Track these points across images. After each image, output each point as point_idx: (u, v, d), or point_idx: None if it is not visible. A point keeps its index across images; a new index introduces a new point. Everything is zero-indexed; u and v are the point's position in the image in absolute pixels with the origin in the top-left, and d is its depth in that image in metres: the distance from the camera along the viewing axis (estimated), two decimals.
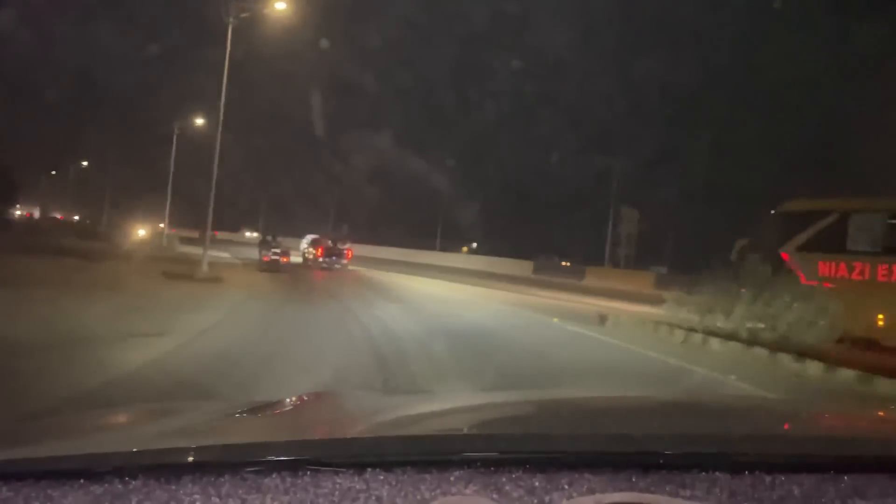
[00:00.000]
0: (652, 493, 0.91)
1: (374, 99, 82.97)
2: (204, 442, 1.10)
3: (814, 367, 7.63)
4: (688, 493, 0.94)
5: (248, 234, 34.00)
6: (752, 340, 8.80)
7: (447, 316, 11.78)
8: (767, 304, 9.10)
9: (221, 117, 17.80)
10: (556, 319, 11.84)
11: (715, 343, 9.14)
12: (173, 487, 0.88)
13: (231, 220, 64.66)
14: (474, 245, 53.22)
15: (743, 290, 9.78)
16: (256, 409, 1.49)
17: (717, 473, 0.98)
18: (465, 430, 1.28)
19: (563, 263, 35.56)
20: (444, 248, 46.83)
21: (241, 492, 0.88)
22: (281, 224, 49.35)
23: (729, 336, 9.18)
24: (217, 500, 0.87)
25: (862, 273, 9.52)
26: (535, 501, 0.90)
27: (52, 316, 7.73)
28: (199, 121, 31.63)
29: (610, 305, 15.52)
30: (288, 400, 1.67)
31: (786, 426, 1.52)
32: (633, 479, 0.96)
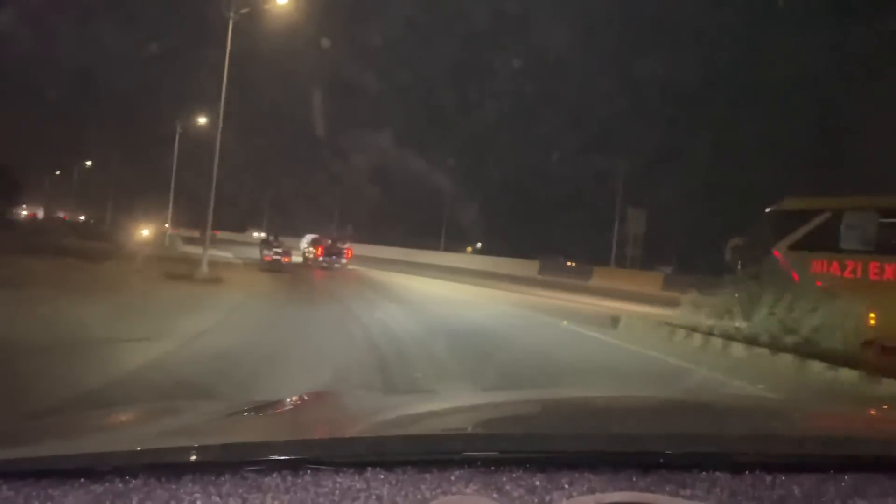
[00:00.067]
0: (652, 492, 0.90)
1: (375, 98, 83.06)
2: (204, 441, 1.09)
3: (849, 376, 7.10)
4: (688, 492, 0.93)
5: (255, 234, 34.12)
6: (774, 345, 8.34)
7: (451, 317, 11.40)
8: (790, 308, 8.65)
9: (221, 115, 17.67)
10: (565, 322, 11.43)
11: (738, 349, 8.62)
12: (174, 486, 0.87)
13: (233, 219, 64.69)
14: (478, 245, 53.00)
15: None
16: (257, 409, 1.49)
17: (717, 473, 0.97)
18: (466, 430, 1.28)
19: (568, 263, 35.24)
20: (446, 249, 46.45)
21: (241, 491, 0.87)
22: (284, 224, 49.12)
23: (748, 340, 8.74)
24: (218, 499, 0.86)
25: (854, 272, 9.46)
26: (536, 501, 0.89)
27: (38, 318, 7.44)
28: (202, 120, 31.43)
29: (619, 307, 15.12)
30: (288, 399, 1.68)
31: (786, 426, 1.51)
32: (634, 479, 0.95)
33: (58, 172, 64.02)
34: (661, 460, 0.99)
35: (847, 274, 9.49)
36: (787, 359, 7.92)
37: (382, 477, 0.91)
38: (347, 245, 27.97)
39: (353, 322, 9.68)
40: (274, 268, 23.38)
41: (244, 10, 16.75)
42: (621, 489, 0.91)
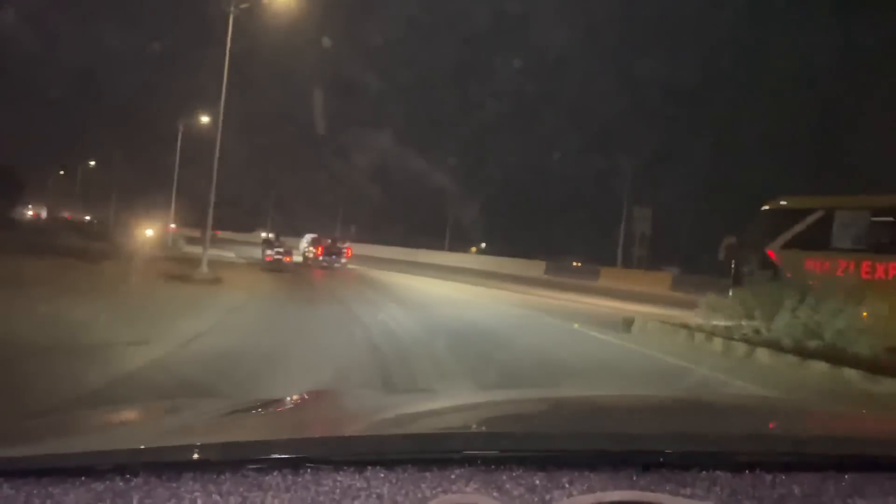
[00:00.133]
0: (652, 491, 0.89)
1: (377, 98, 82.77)
2: (205, 440, 1.10)
3: (892, 387, 6.54)
4: (688, 491, 0.92)
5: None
6: (798, 350, 7.87)
7: (456, 320, 10.92)
8: (814, 310, 8.18)
9: (221, 112, 17.45)
10: (576, 325, 10.95)
11: (763, 355, 8.06)
12: (174, 485, 0.87)
13: (237, 220, 64.58)
14: (483, 245, 52.63)
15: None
16: (257, 408, 1.49)
17: (717, 472, 0.96)
18: (466, 429, 1.28)
19: (575, 264, 34.90)
20: (450, 249, 46.03)
21: (242, 489, 0.87)
22: (287, 224, 48.78)
23: (769, 344, 8.27)
24: (218, 497, 0.85)
25: (846, 270, 9.52)
26: (536, 499, 0.89)
27: (22, 320, 7.09)
28: (205, 119, 31.14)
29: (629, 308, 14.66)
30: (289, 398, 1.69)
31: (786, 425, 1.51)
32: (634, 478, 0.94)
33: (62, 172, 64.06)
34: (662, 459, 0.98)
35: (839, 273, 9.55)
36: (819, 367, 7.32)
37: (383, 476, 0.91)
38: (347, 245, 28.08)
39: (355, 324, 9.27)
40: (275, 267, 23.18)
41: (244, 5, 16.55)
42: (621, 488, 0.90)
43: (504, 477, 0.92)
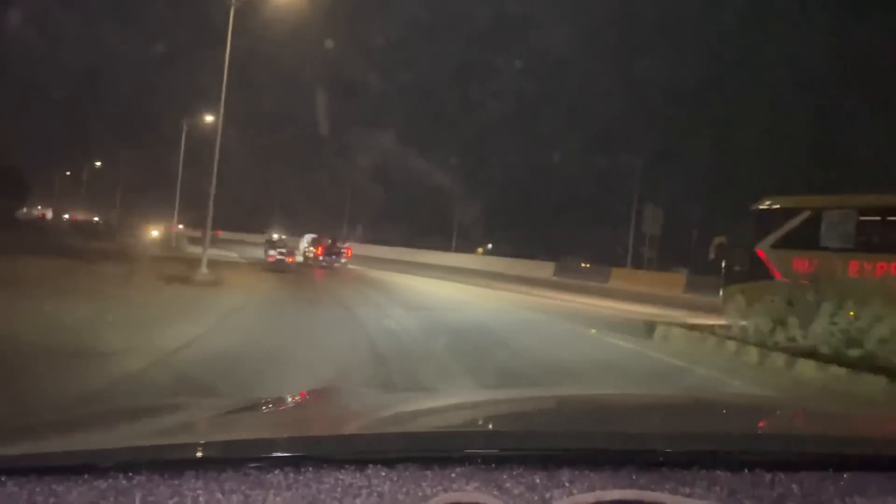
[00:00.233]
0: (652, 490, 0.88)
1: (380, 98, 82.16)
2: (207, 438, 1.12)
3: None
4: (688, 490, 0.92)
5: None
6: (841, 360, 7.18)
7: (467, 325, 10.31)
8: (854, 316, 7.53)
9: (222, 109, 17.10)
10: (593, 331, 10.31)
11: (807, 368, 7.29)
12: (177, 483, 0.87)
13: (240, 219, 64.31)
14: (489, 246, 52.09)
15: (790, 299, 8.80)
16: (259, 406, 1.48)
17: (717, 471, 0.96)
18: (467, 428, 1.28)
19: (583, 265, 34.40)
20: (455, 249, 45.44)
21: (243, 487, 0.87)
22: (294, 224, 48.34)
23: (807, 354, 7.59)
24: (220, 495, 0.85)
25: (834, 269, 9.53)
26: (537, 498, 0.88)
27: (4, 322, 6.66)
28: (209, 118, 30.79)
29: (645, 311, 14.02)
30: (290, 397, 1.78)
31: (786, 424, 1.51)
32: (634, 477, 0.94)
33: (68, 173, 64.07)
34: (662, 458, 0.98)
35: (828, 271, 9.58)
36: (873, 381, 6.50)
37: (384, 474, 0.90)
38: (347, 245, 28.15)
39: (358, 331, 8.70)
40: (278, 268, 22.84)
41: None
42: (622, 487, 0.88)
43: (504, 476, 0.92)
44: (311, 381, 5.30)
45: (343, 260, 26.70)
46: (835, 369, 6.99)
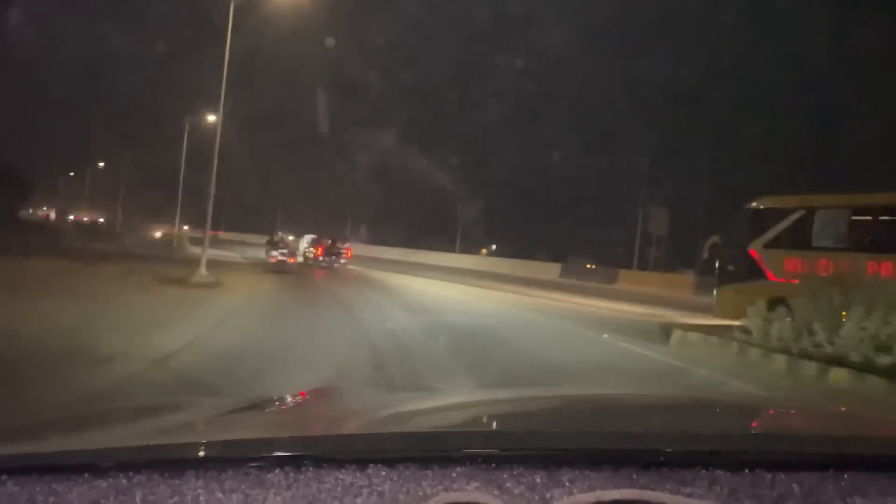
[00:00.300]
0: (653, 490, 0.87)
1: (383, 98, 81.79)
2: (207, 437, 1.12)
3: None
4: (688, 490, 0.92)
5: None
6: (873, 369, 6.70)
7: (473, 330, 9.85)
8: (884, 321, 7.06)
9: (222, 106, 16.74)
10: (606, 335, 9.84)
11: (840, 378, 6.78)
12: (177, 482, 0.86)
13: (243, 220, 64.08)
14: (493, 247, 51.68)
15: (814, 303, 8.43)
16: (259, 405, 1.47)
17: (717, 471, 0.96)
18: (468, 427, 1.27)
19: (589, 266, 34.01)
20: (459, 250, 45.01)
21: (244, 487, 0.86)
22: (299, 225, 48.02)
23: (833, 361, 7.13)
24: (220, 494, 0.85)
25: (826, 269, 9.57)
26: (537, 498, 0.88)
27: None
28: (212, 117, 30.49)
29: (657, 314, 13.58)
30: (290, 396, 1.71)
31: (786, 424, 1.51)
32: (634, 476, 0.93)
33: (72, 174, 63.98)
34: (662, 458, 0.97)
35: (819, 271, 9.63)
36: None
37: (384, 473, 0.90)
38: (347, 245, 28.17)
39: (362, 338, 8.27)
40: (279, 269, 22.61)
41: None
42: (622, 486, 0.88)
43: (505, 475, 0.91)
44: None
45: (343, 260, 26.66)
46: (872, 378, 6.51)
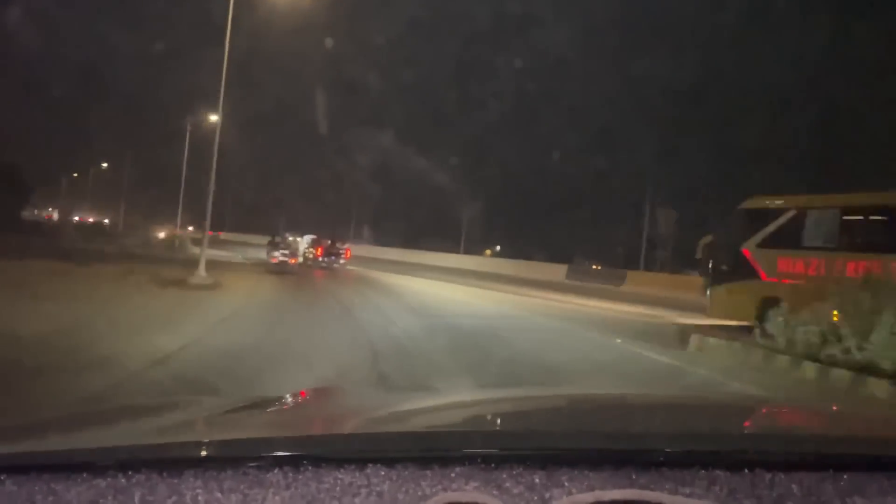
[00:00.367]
0: (652, 490, 0.87)
1: (384, 98, 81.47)
2: (206, 437, 1.11)
3: None
4: (688, 490, 0.91)
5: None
6: None
7: (480, 334, 9.42)
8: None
9: (221, 103, 16.43)
10: (619, 340, 9.37)
11: (878, 389, 6.28)
12: (176, 482, 0.86)
13: (246, 220, 63.85)
14: (497, 248, 51.28)
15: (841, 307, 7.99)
16: (258, 405, 1.48)
17: (716, 471, 0.95)
18: (467, 427, 1.28)
19: (594, 267, 33.59)
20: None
21: (243, 486, 0.86)
22: (298, 226, 47.71)
23: (864, 369, 6.66)
24: (219, 494, 0.85)
25: (818, 269, 9.66)
26: (536, 498, 0.88)
27: None
28: (214, 117, 30.20)
29: (669, 317, 13.12)
30: (289, 396, 1.68)
31: (785, 424, 1.51)
32: (633, 476, 0.93)
33: (76, 175, 63.85)
34: (661, 458, 0.96)
35: (811, 271, 9.73)
36: None
37: (383, 473, 0.89)
38: (346, 246, 28.61)
39: (363, 341, 7.87)
40: (281, 269, 22.41)
41: None
42: (621, 486, 0.87)
43: (504, 475, 0.90)
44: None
45: (342, 261, 26.59)
46: None
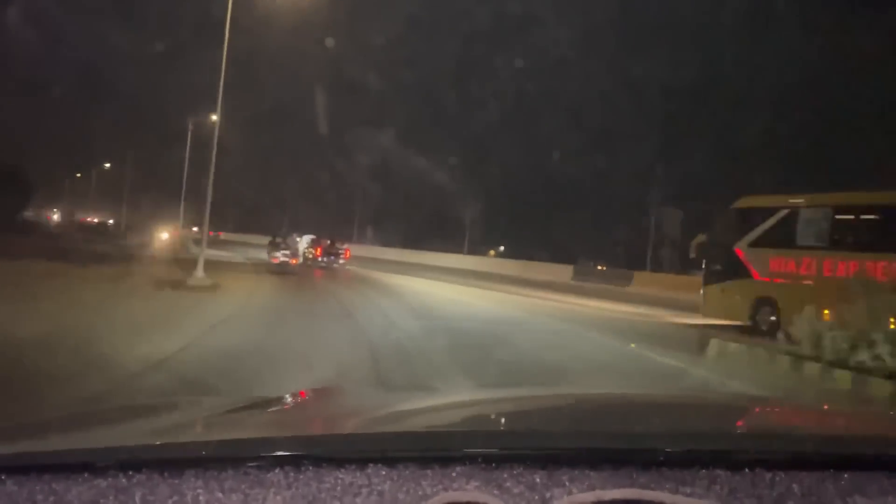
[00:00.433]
0: (652, 489, 0.86)
1: (384, 98, 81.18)
2: (207, 437, 1.12)
3: None
4: (688, 489, 0.91)
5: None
6: None
7: (486, 338, 9.06)
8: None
9: (220, 102, 16.11)
10: (633, 345, 8.97)
11: None
12: (177, 482, 0.86)
13: (249, 220, 63.64)
14: (501, 248, 50.97)
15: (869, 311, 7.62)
16: (259, 405, 1.48)
17: (717, 470, 0.95)
18: (468, 427, 1.28)
19: (599, 267, 33.24)
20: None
21: (244, 486, 0.86)
22: (302, 226, 47.47)
23: (893, 376, 6.27)
24: (220, 494, 0.85)
25: (810, 268, 9.72)
26: (536, 497, 0.87)
27: None
28: (215, 117, 29.95)
29: (680, 320, 12.73)
30: (290, 396, 1.70)
31: (786, 424, 1.51)
32: (634, 476, 0.93)
33: (79, 175, 63.83)
34: (662, 458, 0.96)
35: (803, 270, 9.76)
36: None
37: (384, 473, 0.89)
38: (346, 246, 28.71)
39: (363, 345, 7.52)
40: (281, 270, 22.29)
41: None
42: (621, 486, 0.87)
43: (505, 475, 0.90)
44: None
45: (342, 261, 26.61)
46: None
